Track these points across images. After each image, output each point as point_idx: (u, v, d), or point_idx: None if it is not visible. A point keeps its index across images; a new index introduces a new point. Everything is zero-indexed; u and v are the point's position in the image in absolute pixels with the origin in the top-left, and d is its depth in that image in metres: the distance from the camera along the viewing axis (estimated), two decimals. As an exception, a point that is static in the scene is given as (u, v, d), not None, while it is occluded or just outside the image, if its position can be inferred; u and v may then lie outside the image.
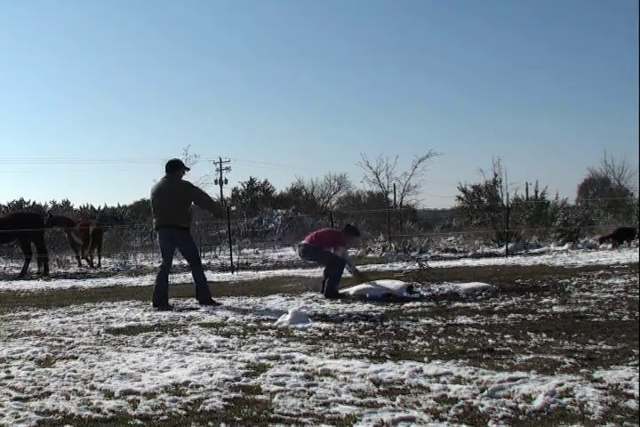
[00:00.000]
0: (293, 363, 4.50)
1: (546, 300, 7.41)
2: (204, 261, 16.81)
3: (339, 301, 7.89)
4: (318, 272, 10.08)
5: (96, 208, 37.56)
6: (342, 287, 8.82)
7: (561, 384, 3.69)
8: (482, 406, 3.40)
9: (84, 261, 16.99)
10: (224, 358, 4.73)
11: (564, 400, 3.45)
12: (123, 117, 61.96)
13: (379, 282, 8.64)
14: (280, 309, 7.21)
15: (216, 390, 3.86)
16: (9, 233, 14.11)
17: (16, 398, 3.75)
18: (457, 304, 7.32)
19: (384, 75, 61.05)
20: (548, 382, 3.77)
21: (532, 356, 4.53)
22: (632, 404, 3.35)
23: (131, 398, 3.72)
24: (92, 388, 3.97)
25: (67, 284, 11.91)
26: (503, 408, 3.37)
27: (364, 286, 8.46)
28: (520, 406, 3.41)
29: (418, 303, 7.47)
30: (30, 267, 14.64)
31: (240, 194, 47.15)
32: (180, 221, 7.75)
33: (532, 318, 6.20)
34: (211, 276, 12.97)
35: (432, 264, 10.95)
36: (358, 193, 41.95)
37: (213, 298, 7.98)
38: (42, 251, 14.55)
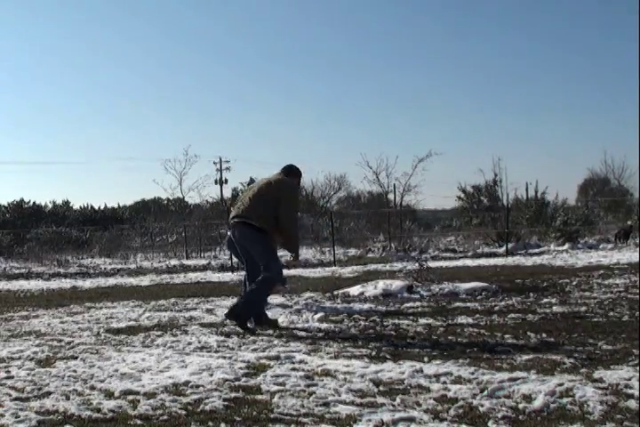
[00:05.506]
0: (293, 363, 4.50)
1: (546, 300, 7.41)
2: (203, 262, 16.81)
3: (338, 300, 7.88)
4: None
5: (96, 208, 37.60)
6: (342, 287, 8.83)
7: (561, 384, 3.69)
8: (482, 406, 3.40)
9: None
10: (224, 358, 4.72)
11: (564, 400, 3.45)
12: (123, 117, 62.09)
13: (380, 282, 8.64)
14: (280, 309, 7.21)
15: (216, 390, 3.86)
16: None
17: (16, 398, 3.74)
18: (457, 304, 7.31)
19: (384, 74, 61.18)
20: (548, 382, 3.76)
21: (531, 356, 4.52)
22: (632, 404, 3.35)
23: (131, 398, 3.72)
24: (92, 388, 3.97)
25: (67, 284, 11.90)
26: (503, 408, 3.37)
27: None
28: (520, 406, 3.40)
29: (418, 303, 7.47)
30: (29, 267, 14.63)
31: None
32: (256, 219, 6.14)
33: (532, 318, 6.20)
34: (211, 276, 13.00)
35: (432, 264, 10.93)
36: (358, 193, 41.88)
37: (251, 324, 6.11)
38: None
